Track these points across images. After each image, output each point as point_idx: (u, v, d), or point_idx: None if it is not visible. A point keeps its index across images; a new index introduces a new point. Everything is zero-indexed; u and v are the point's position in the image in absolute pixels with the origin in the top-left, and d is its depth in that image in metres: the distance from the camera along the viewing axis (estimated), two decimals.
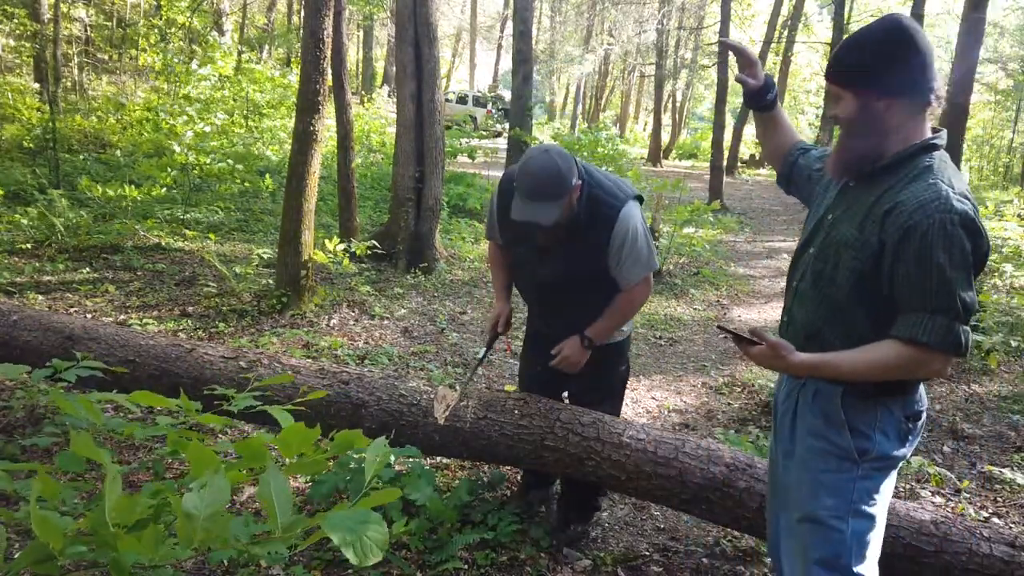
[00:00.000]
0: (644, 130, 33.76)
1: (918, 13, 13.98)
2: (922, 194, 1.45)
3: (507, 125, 12.67)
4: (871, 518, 1.60)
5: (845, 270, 1.56)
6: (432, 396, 2.63)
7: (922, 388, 1.65)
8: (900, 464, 1.66)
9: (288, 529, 0.93)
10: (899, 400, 1.58)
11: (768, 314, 6.73)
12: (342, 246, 5.98)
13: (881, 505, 1.62)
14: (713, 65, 19.19)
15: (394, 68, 8.68)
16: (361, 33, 26.62)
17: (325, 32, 4.88)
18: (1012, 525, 3.00)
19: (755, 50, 23.43)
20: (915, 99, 1.52)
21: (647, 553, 2.62)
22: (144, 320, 4.71)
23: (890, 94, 1.50)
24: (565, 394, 2.74)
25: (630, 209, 2.27)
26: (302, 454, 1.06)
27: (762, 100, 1.89)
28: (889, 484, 1.64)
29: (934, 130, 1.57)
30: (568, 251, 2.31)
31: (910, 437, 1.61)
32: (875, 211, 1.51)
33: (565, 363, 2.41)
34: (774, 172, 2.01)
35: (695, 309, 6.69)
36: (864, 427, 1.58)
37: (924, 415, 1.65)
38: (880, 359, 1.48)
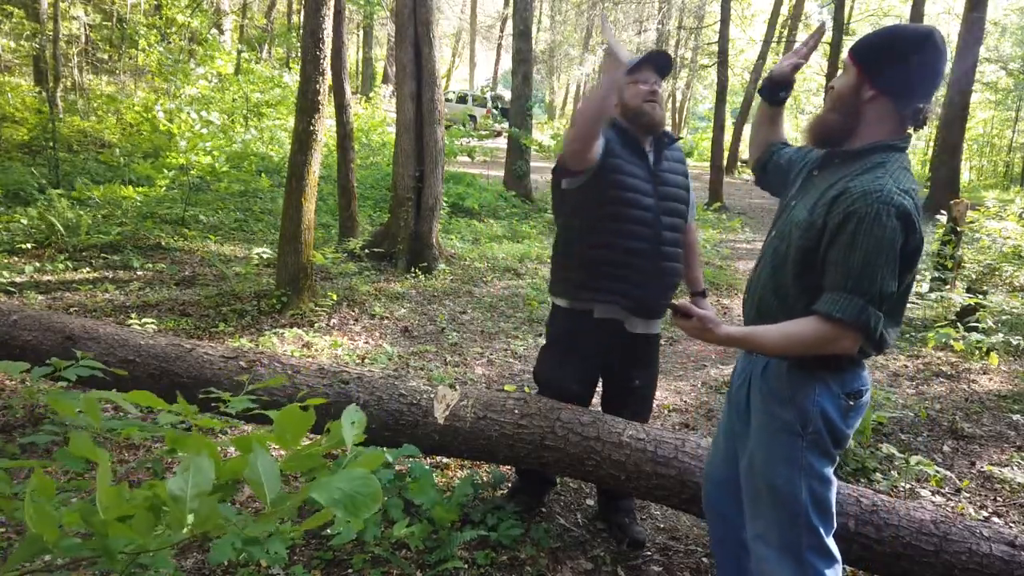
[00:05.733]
0: None
1: (918, 13, 14.00)
2: (868, 184, 1.54)
3: (507, 124, 12.67)
4: (823, 481, 1.71)
5: (794, 249, 1.66)
6: (432, 396, 2.63)
7: (865, 371, 1.73)
8: (844, 440, 1.74)
9: (277, 503, 0.92)
10: (837, 376, 1.67)
11: None
12: (338, 253, 5.98)
13: (831, 468, 1.73)
14: (713, 65, 19.18)
15: (394, 68, 8.68)
16: (361, 33, 26.61)
17: (325, 32, 4.88)
18: (1012, 524, 3.00)
19: (755, 49, 23.47)
20: (899, 104, 1.61)
21: (647, 553, 2.62)
22: (144, 320, 4.70)
23: (879, 87, 1.60)
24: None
25: None
26: (298, 449, 1.05)
27: (779, 94, 2.00)
28: (834, 452, 1.74)
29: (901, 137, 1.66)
30: (670, 173, 2.47)
31: (851, 414, 1.70)
32: (825, 196, 1.62)
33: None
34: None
35: None
36: (804, 400, 1.67)
37: (867, 395, 1.73)
38: (797, 332, 1.60)
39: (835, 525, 1.78)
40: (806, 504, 1.70)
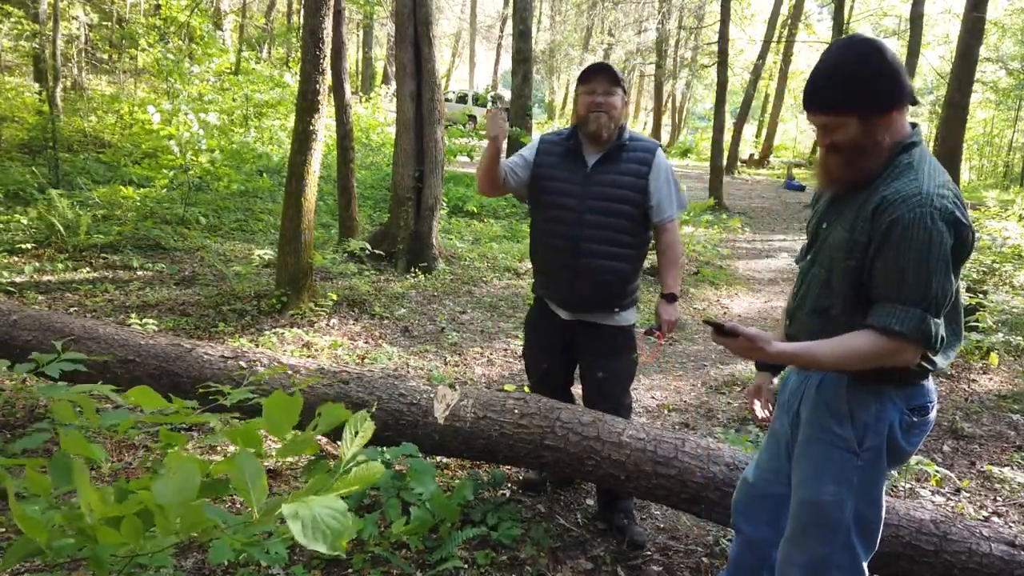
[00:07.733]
0: (644, 129, 33.76)
1: (918, 12, 13.98)
2: (904, 189, 1.50)
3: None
4: (873, 503, 1.66)
5: (840, 272, 1.60)
6: (432, 396, 2.63)
7: (930, 383, 1.66)
8: (905, 457, 1.69)
9: (266, 512, 0.91)
10: (901, 391, 1.61)
11: (768, 312, 6.74)
12: (338, 253, 5.97)
13: (881, 490, 1.68)
14: (713, 64, 19.18)
15: (394, 68, 8.69)
16: (361, 33, 26.60)
17: (325, 32, 4.88)
18: (1012, 524, 3.00)
19: (755, 49, 23.48)
20: (904, 102, 1.57)
21: (647, 553, 2.62)
22: (144, 320, 4.70)
23: (890, 107, 1.55)
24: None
25: (663, 153, 2.61)
26: (288, 438, 1.04)
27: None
28: (888, 472, 1.69)
29: (912, 125, 1.62)
30: (615, 175, 2.52)
31: (915, 430, 1.64)
32: (863, 211, 1.56)
33: (672, 326, 2.61)
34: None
35: (695, 308, 6.69)
36: (865, 417, 1.61)
37: (933, 411, 1.66)
38: (855, 347, 1.53)
39: (876, 547, 1.71)
40: (848, 524, 1.65)
